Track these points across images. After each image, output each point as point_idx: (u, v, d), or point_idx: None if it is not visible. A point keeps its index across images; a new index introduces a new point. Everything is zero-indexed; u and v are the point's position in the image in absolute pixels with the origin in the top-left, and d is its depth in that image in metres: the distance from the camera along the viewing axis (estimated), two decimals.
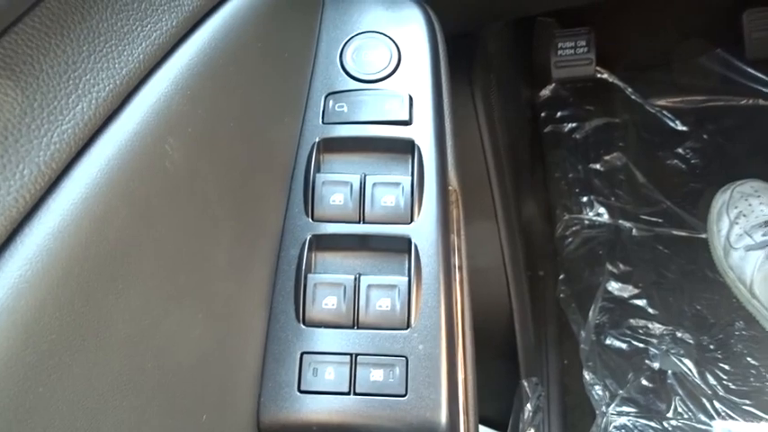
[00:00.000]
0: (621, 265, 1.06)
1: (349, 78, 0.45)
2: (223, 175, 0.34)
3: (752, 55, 1.07)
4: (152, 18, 0.30)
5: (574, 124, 1.16)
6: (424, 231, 0.40)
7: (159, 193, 0.28)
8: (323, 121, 0.43)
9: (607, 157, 1.13)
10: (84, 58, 0.27)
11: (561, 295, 1.06)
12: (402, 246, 0.40)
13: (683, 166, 1.11)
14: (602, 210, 1.10)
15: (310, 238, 0.40)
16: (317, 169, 0.42)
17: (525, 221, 1.02)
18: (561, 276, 1.07)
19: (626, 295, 1.04)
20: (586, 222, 1.10)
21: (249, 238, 0.37)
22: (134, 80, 0.29)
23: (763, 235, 0.95)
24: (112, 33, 0.28)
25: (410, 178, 0.41)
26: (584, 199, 1.11)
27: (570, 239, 1.10)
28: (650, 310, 1.02)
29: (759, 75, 1.09)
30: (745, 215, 0.98)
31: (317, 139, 0.42)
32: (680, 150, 1.12)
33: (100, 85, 0.27)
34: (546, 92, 1.17)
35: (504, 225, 0.82)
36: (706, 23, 1.13)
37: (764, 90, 1.09)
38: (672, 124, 1.13)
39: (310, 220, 0.40)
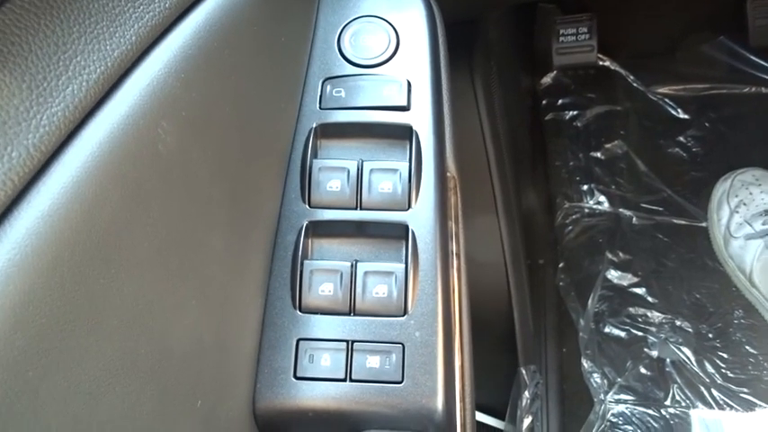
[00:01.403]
0: (621, 254, 1.06)
1: (347, 63, 0.44)
2: (217, 160, 0.33)
3: (756, 42, 1.06)
4: None
5: (575, 112, 1.16)
6: (421, 218, 0.39)
7: (152, 176, 0.28)
8: (320, 107, 0.43)
9: (608, 146, 1.13)
10: (75, 40, 0.26)
11: (561, 284, 1.06)
12: (399, 232, 0.39)
13: (685, 155, 1.11)
14: (602, 198, 1.10)
15: (307, 225, 0.39)
16: (314, 155, 0.41)
17: (525, 210, 1.02)
18: (561, 265, 1.07)
19: (625, 284, 1.04)
20: (587, 211, 1.10)
21: (244, 223, 0.36)
22: (126, 62, 0.28)
23: (764, 224, 0.95)
24: (104, 14, 0.28)
25: (408, 164, 0.41)
26: (585, 187, 1.11)
27: (570, 228, 1.09)
28: (649, 299, 1.02)
29: (762, 63, 1.08)
30: (745, 204, 0.98)
31: (314, 125, 0.42)
32: (681, 139, 1.11)
33: (91, 66, 0.26)
34: (547, 79, 1.17)
35: (503, 213, 0.82)
36: (709, 11, 1.12)
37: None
38: (673, 112, 1.12)
39: (307, 206, 0.40)
